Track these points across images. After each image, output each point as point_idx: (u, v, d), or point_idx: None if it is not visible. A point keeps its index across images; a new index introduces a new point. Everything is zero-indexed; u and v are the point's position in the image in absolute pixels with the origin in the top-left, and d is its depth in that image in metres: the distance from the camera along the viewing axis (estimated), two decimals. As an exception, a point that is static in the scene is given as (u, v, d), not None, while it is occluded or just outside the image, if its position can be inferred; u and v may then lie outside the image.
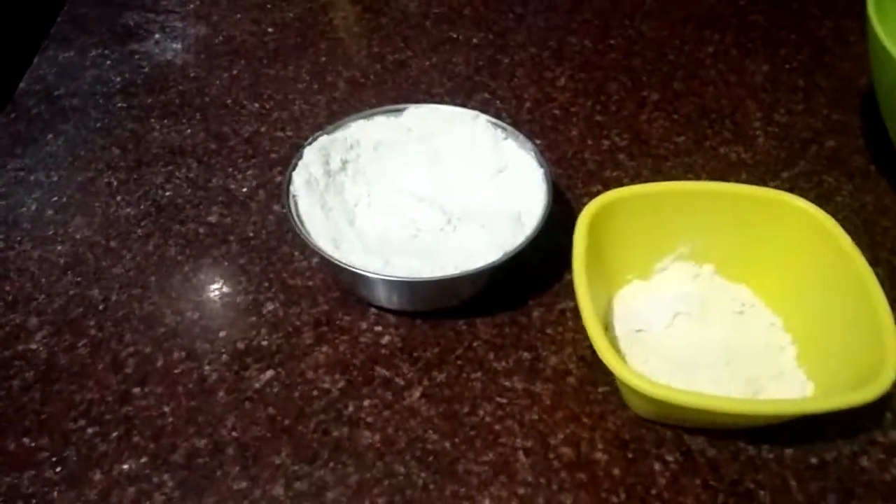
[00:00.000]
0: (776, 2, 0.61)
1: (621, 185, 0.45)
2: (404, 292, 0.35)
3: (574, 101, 0.52)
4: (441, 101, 0.52)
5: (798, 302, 0.35)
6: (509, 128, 0.41)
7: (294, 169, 0.39)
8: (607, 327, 0.36)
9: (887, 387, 0.28)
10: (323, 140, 0.40)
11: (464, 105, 0.51)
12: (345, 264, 0.34)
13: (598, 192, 0.44)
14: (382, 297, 0.36)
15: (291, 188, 0.38)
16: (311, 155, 0.39)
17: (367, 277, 0.34)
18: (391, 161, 0.41)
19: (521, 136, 0.41)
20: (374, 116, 0.42)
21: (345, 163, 0.40)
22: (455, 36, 0.58)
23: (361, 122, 0.42)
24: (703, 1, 0.61)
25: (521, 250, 0.35)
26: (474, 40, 0.58)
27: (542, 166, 0.39)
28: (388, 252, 0.36)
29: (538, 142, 0.48)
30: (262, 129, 0.50)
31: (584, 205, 0.35)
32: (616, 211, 0.36)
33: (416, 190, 0.40)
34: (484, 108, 0.51)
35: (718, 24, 0.59)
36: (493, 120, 0.42)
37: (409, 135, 0.42)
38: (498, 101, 0.52)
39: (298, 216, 0.37)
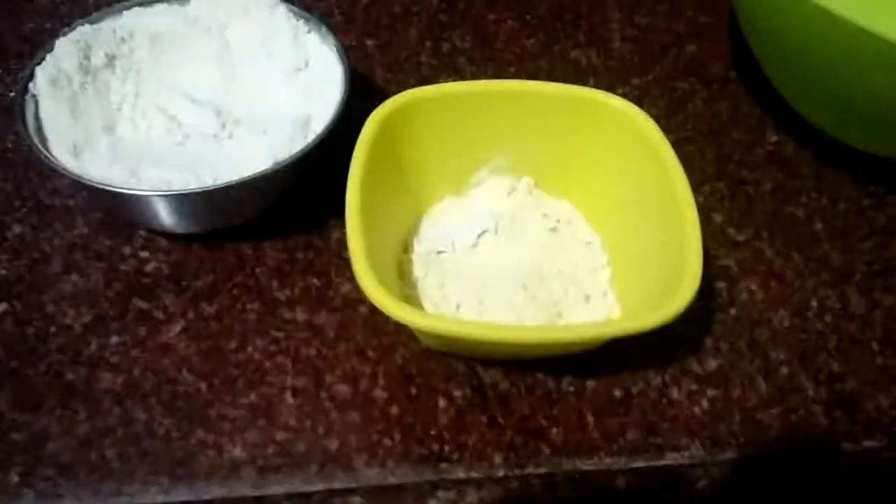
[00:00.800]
0: None
1: (456, 91, 0.40)
2: (153, 210, 0.29)
3: (419, -2, 0.46)
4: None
5: (618, 217, 0.31)
6: (313, 19, 0.35)
7: (39, 64, 0.32)
8: (406, 248, 0.32)
9: (676, 312, 0.24)
10: (83, 30, 0.33)
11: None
12: (71, 173, 0.28)
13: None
14: (137, 216, 0.31)
15: (32, 86, 0.31)
16: (65, 48, 0.33)
17: (104, 190, 0.28)
18: (172, 57, 0.35)
19: (325, 30, 0.35)
20: (154, 4, 0.36)
21: (111, 58, 0.34)
22: (295, -76, 0.51)
23: (137, 9, 0.35)
24: None
25: (304, 159, 0.30)
26: (317, -71, 0.51)
27: (342, 64, 0.33)
28: (143, 162, 0.30)
29: (371, 42, 0.43)
30: (48, 25, 0.42)
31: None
32: (418, 117, 0.31)
33: (196, 90, 0.34)
34: (314, 4, 0.44)
35: (592, -84, 0.53)
36: (295, 9, 0.35)
37: (196, 26, 0.35)
38: (332, -2, 0.45)
39: (37, 119, 0.31)
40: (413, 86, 0.40)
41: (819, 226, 0.35)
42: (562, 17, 0.45)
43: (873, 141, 0.34)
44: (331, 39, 0.34)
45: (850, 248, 0.34)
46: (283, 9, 0.35)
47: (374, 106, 0.31)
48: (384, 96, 0.39)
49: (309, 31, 0.35)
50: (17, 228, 0.33)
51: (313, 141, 0.30)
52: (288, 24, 0.35)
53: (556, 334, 0.24)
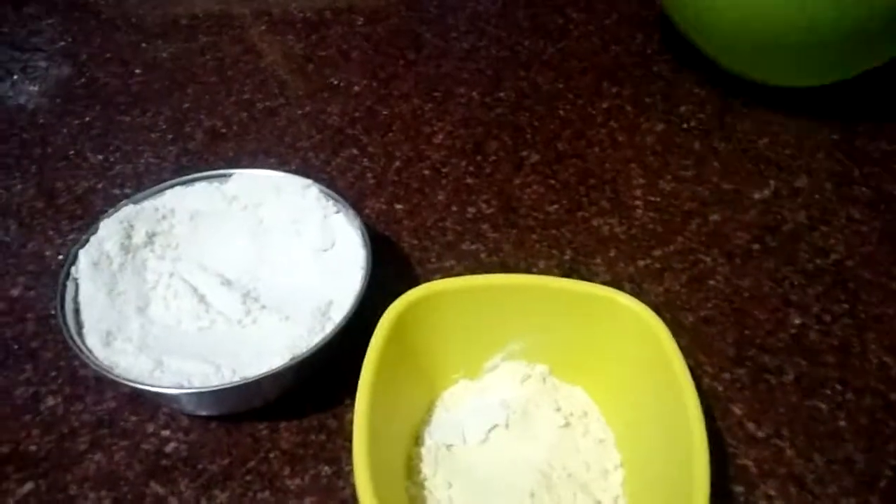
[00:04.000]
0: (685, 49, 0.57)
1: (478, 259, 0.41)
2: (175, 400, 0.31)
3: (448, 160, 0.48)
4: (304, 156, 0.48)
5: (632, 415, 0.31)
6: (341, 200, 0.37)
7: (83, 246, 0.34)
8: (418, 440, 0.32)
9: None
10: (127, 210, 0.36)
11: (328, 161, 0.48)
12: (100, 367, 0.30)
13: (451, 269, 0.40)
14: (160, 401, 0.32)
15: (73, 270, 0.34)
16: (109, 228, 0.35)
17: (129, 385, 0.30)
18: (208, 233, 0.37)
19: (352, 212, 0.37)
20: (195, 182, 0.38)
21: (152, 236, 0.36)
22: (336, 82, 0.54)
23: (179, 188, 0.38)
24: (607, 48, 0.57)
25: (321, 351, 0.31)
26: (356, 88, 0.54)
27: (365, 248, 0.35)
28: (168, 350, 0.31)
29: (400, 207, 0.44)
30: (99, 186, 0.45)
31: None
32: (432, 306, 0.32)
33: (228, 268, 0.36)
34: (349, 165, 0.47)
35: (619, 74, 0.55)
36: (326, 190, 0.38)
37: (233, 204, 0.38)
38: (366, 159, 0.48)
39: (76, 303, 0.33)
40: (436, 252, 0.42)
41: (843, 423, 0.34)
42: (586, 182, 0.46)
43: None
44: (357, 221, 0.36)
45: (876, 449, 0.33)
46: (314, 190, 0.37)
47: (397, 278, 0.32)
48: (408, 264, 0.41)
49: (337, 212, 0.37)
50: (50, 401, 0.34)
51: (329, 334, 0.31)
52: (318, 205, 0.37)
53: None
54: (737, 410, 0.34)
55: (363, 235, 0.35)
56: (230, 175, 0.38)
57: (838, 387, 0.35)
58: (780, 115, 0.51)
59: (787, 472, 0.32)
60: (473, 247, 0.42)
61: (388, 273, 0.40)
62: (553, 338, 0.33)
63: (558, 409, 0.32)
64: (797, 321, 0.38)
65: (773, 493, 0.31)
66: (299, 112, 0.51)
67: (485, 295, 0.32)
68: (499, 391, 0.33)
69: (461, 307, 0.32)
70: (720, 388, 0.35)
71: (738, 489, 0.31)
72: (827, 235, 0.42)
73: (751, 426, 0.34)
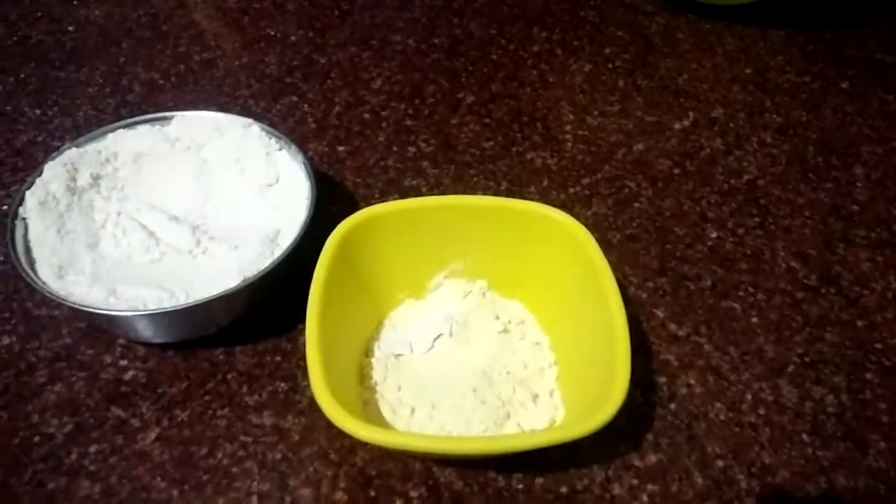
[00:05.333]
0: (610, -2, 0.59)
1: (420, 193, 0.43)
2: (131, 326, 0.32)
3: (387, 104, 0.49)
4: (244, 104, 0.49)
5: (563, 319, 0.34)
6: (283, 137, 0.38)
7: (29, 188, 0.35)
8: (368, 352, 0.34)
9: (604, 421, 0.26)
10: (70, 153, 0.37)
11: (268, 108, 0.49)
12: (55, 296, 0.31)
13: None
14: (116, 330, 0.33)
15: (21, 210, 0.34)
16: (53, 171, 0.36)
17: (87, 312, 0.31)
18: (152, 175, 0.38)
19: (294, 147, 0.38)
20: (137, 126, 0.39)
21: (97, 178, 0.37)
22: (272, 33, 0.55)
23: (121, 132, 0.38)
24: (537, -3, 0.60)
25: (271, 274, 0.32)
26: (292, 38, 0.55)
27: (309, 180, 0.36)
28: (121, 280, 0.32)
29: (342, 148, 0.46)
30: (39, 139, 0.45)
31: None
32: (375, 229, 0.34)
33: (174, 207, 0.37)
34: (290, 111, 0.48)
35: (548, 20, 0.57)
36: (268, 129, 0.39)
37: (175, 145, 0.39)
38: (306, 105, 0.49)
39: (26, 241, 0.33)
40: (380, 189, 0.43)
41: (755, 320, 0.37)
42: (519, 119, 0.48)
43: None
44: (300, 156, 0.37)
45: (784, 341, 0.36)
46: (255, 128, 0.38)
47: (343, 213, 0.34)
48: (352, 201, 0.42)
49: (280, 149, 0.38)
50: (5, 340, 0.35)
51: (279, 257, 0.33)
52: (260, 143, 0.38)
53: (477, 445, 0.26)
54: (660, 314, 0.37)
55: (306, 168, 0.37)
56: (172, 118, 0.39)
57: (750, 289, 0.39)
58: (698, 53, 0.54)
59: (705, 364, 0.35)
60: (415, 182, 0.44)
61: (335, 210, 0.41)
62: (491, 255, 0.35)
63: (497, 318, 0.35)
64: (713, 235, 0.41)
65: (692, 381, 0.34)
66: (237, 63, 0.52)
67: (426, 216, 0.34)
68: (442, 307, 0.35)
69: (404, 229, 0.34)
70: (645, 296, 0.38)
71: (662, 380, 0.34)
72: (740, 159, 0.46)
73: (672, 326, 0.37)
